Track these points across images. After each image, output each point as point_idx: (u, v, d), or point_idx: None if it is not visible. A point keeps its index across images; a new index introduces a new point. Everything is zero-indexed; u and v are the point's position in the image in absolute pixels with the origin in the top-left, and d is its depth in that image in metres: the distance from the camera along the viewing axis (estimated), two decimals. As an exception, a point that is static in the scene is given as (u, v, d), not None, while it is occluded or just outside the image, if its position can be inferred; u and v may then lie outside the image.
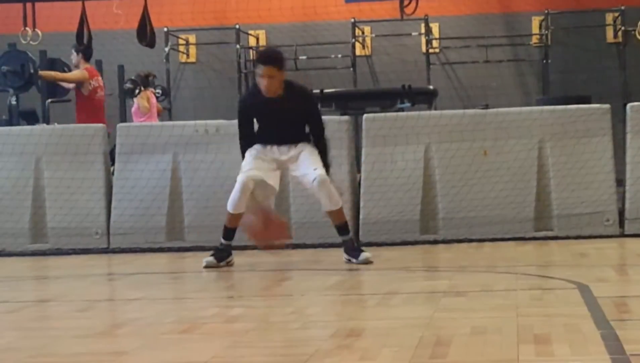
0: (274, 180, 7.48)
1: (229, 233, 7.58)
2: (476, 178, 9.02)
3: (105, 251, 9.27)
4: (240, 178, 7.39)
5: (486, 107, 9.42)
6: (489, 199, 8.98)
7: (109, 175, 9.46)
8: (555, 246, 8.47)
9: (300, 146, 7.49)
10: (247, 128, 7.55)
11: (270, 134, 7.48)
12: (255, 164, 7.42)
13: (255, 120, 7.57)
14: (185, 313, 5.41)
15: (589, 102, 10.81)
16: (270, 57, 7.43)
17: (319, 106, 7.90)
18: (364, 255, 7.43)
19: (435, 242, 8.93)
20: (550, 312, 4.74)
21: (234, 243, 7.74)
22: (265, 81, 7.30)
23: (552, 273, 6.61)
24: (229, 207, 7.47)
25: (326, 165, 7.46)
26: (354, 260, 7.42)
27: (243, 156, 7.55)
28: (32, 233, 9.43)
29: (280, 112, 7.42)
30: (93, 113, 11.53)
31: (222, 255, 7.57)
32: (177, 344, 4.22)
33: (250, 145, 7.53)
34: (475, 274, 6.68)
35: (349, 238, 7.58)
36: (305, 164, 7.39)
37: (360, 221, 9.06)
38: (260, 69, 7.32)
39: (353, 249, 7.51)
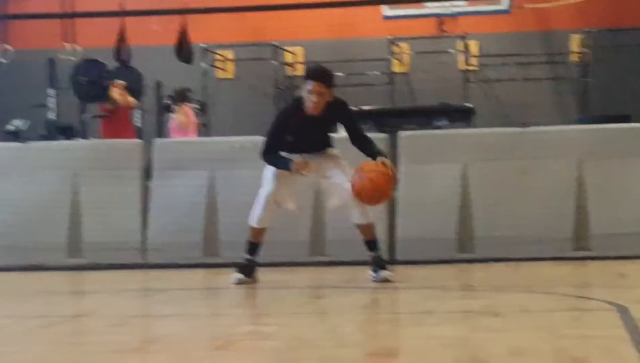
0: (295, 199, 7.41)
1: (254, 248, 7.47)
2: (514, 196, 8.95)
3: (142, 266, 9.27)
4: (265, 193, 7.28)
5: (526, 125, 9.35)
6: (527, 219, 8.90)
7: (145, 190, 9.48)
8: (593, 266, 8.38)
9: (328, 151, 7.44)
10: (279, 142, 7.35)
11: (300, 145, 7.38)
12: (281, 180, 7.30)
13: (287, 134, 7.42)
14: (219, 329, 5.39)
15: (629, 121, 10.71)
16: (322, 74, 7.32)
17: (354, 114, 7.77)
18: (384, 274, 7.31)
19: (472, 261, 8.86)
20: (588, 334, 4.68)
21: (267, 259, 7.70)
22: (314, 97, 7.19)
23: (590, 294, 6.54)
24: (254, 222, 7.36)
25: (379, 152, 7.30)
26: (373, 276, 7.33)
27: (274, 164, 7.33)
28: (69, 248, 9.46)
29: (317, 128, 7.37)
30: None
31: (248, 271, 7.45)
32: (210, 361, 4.20)
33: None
34: (512, 294, 6.62)
35: (377, 254, 7.48)
36: (339, 175, 7.30)
37: (397, 239, 9.01)
38: (310, 85, 7.20)
39: (376, 266, 7.40)
